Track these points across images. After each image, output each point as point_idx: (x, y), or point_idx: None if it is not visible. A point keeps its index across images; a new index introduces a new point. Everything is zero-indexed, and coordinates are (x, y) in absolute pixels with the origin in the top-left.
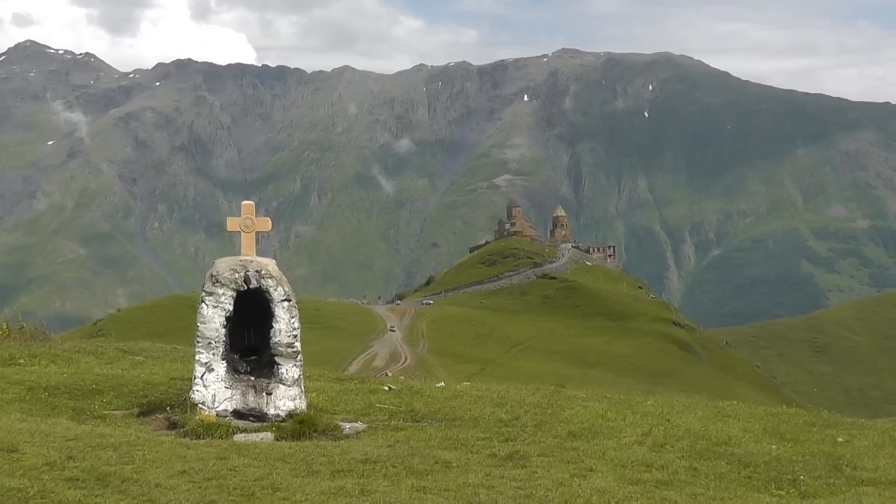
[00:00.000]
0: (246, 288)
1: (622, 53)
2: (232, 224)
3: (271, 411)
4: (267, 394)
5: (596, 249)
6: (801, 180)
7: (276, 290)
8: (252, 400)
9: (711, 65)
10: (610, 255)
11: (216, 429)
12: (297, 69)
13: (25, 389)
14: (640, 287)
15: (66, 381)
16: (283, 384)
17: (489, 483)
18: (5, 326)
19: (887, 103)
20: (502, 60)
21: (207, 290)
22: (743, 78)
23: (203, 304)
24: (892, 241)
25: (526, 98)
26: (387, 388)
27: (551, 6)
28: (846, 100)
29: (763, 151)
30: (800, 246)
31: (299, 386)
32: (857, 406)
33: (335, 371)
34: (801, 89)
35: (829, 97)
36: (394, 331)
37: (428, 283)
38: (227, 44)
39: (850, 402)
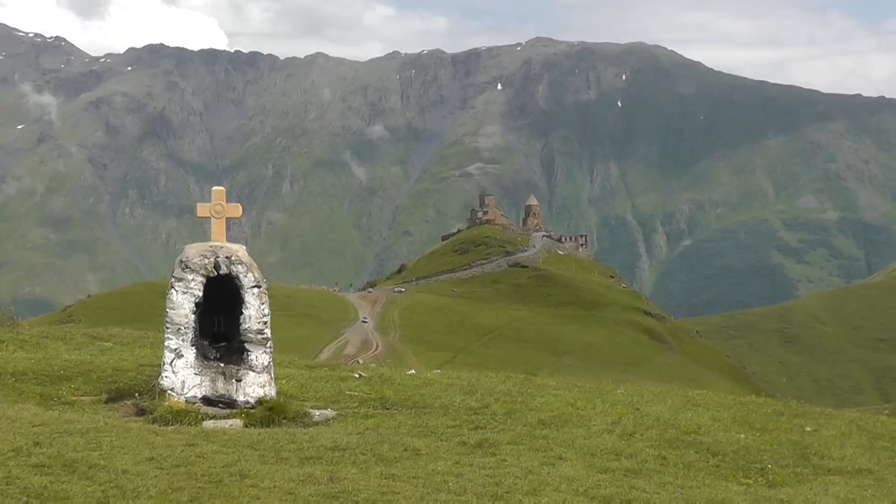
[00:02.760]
0: (216, 274)
1: (595, 43)
2: (202, 210)
3: (241, 398)
4: (236, 380)
5: (568, 238)
6: (772, 171)
7: (246, 276)
8: (221, 386)
9: (683, 55)
10: (582, 244)
11: (185, 415)
12: (269, 55)
13: None
14: (612, 276)
15: (33, 367)
16: (253, 371)
17: (458, 471)
18: None
19: (858, 95)
20: (475, 49)
21: (177, 275)
22: (715, 68)
23: (172, 290)
24: (861, 232)
25: (499, 86)
26: (357, 376)
27: None
28: (817, 91)
29: (735, 142)
30: (770, 236)
31: (269, 373)
32: (825, 396)
33: (306, 358)
34: (770, 80)
35: (801, 88)
36: (366, 322)
37: (400, 270)
38: (197, 28)
39: (819, 392)
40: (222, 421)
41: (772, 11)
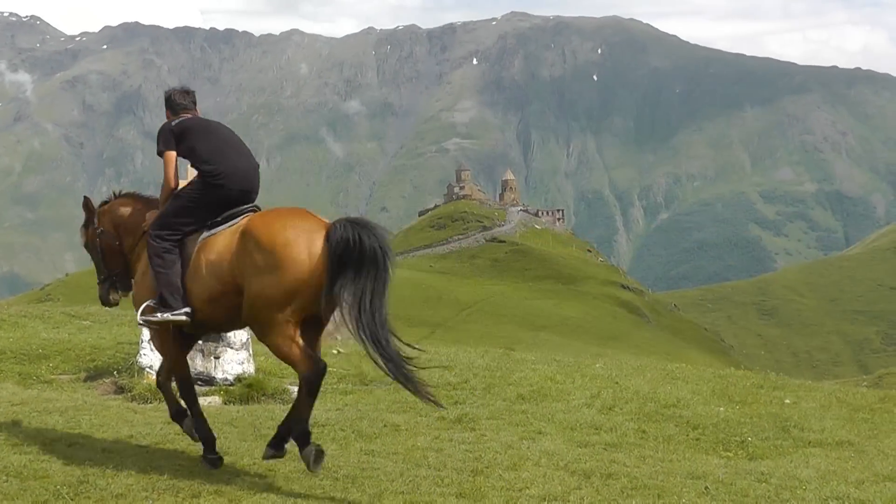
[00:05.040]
0: None
1: (571, 17)
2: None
3: (219, 375)
4: (215, 358)
5: (545, 213)
6: (749, 144)
7: None
8: (200, 364)
9: (659, 28)
10: (559, 219)
11: None
12: (245, 32)
13: None
14: (589, 250)
15: (11, 346)
16: (231, 348)
17: (438, 446)
18: None
19: (834, 67)
20: (451, 24)
21: None
22: (690, 42)
23: None
24: (839, 204)
25: (475, 62)
26: (336, 352)
27: None
28: (794, 63)
29: (711, 115)
30: (748, 209)
31: (248, 349)
32: (804, 368)
33: None
34: (746, 53)
35: (777, 61)
36: None
37: None
38: (172, 5)
39: (798, 365)
40: (201, 398)
41: None
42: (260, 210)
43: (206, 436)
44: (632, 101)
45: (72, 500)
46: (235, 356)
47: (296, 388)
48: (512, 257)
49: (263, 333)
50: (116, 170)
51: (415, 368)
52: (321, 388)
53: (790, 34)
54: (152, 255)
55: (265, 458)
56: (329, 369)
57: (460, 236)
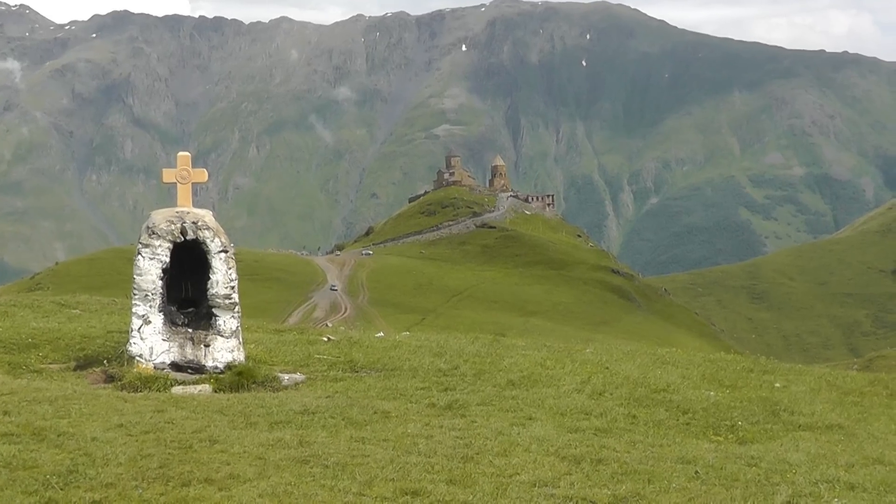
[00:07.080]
0: (182, 239)
1: (559, 2)
2: (168, 175)
3: (209, 363)
4: (205, 346)
5: (535, 198)
6: (737, 128)
7: (212, 241)
8: (190, 352)
9: (646, 13)
10: (549, 204)
11: (154, 381)
12: (234, 20)
13: None
14: (579, 235)
15: (1, 335)
16: (221, 336)
17: (428, 433)
18: None
19: (822, 51)
20: (440, 10)
21: (144, 241)
22: (678, 27)
23: (139, 256)
24: (827, 187)
25: (464, 48)
26: (326, 339)
27: None
28: (781, 48)
29: (700, 99)
30: (737, 193)
31: (237, 337)
32: (794, 352)
33: (274, 322)
34: (733, 38)
35: (765, 45)
36: (335, 289)
37: (367, 233)
38: None
39: (788, 348)
40: (191, 387)
41: None
42: None
43: None
44: (620, 86)
45: (61, 489)
46: (225, 344)
47: (286, 377)
48: (502, 243)
49: None
50: (106, 158)
51: None
52: (313, 376)
53: (776, 18)
54: None
55: None
56: (319, 357)
57: (450, 222)
